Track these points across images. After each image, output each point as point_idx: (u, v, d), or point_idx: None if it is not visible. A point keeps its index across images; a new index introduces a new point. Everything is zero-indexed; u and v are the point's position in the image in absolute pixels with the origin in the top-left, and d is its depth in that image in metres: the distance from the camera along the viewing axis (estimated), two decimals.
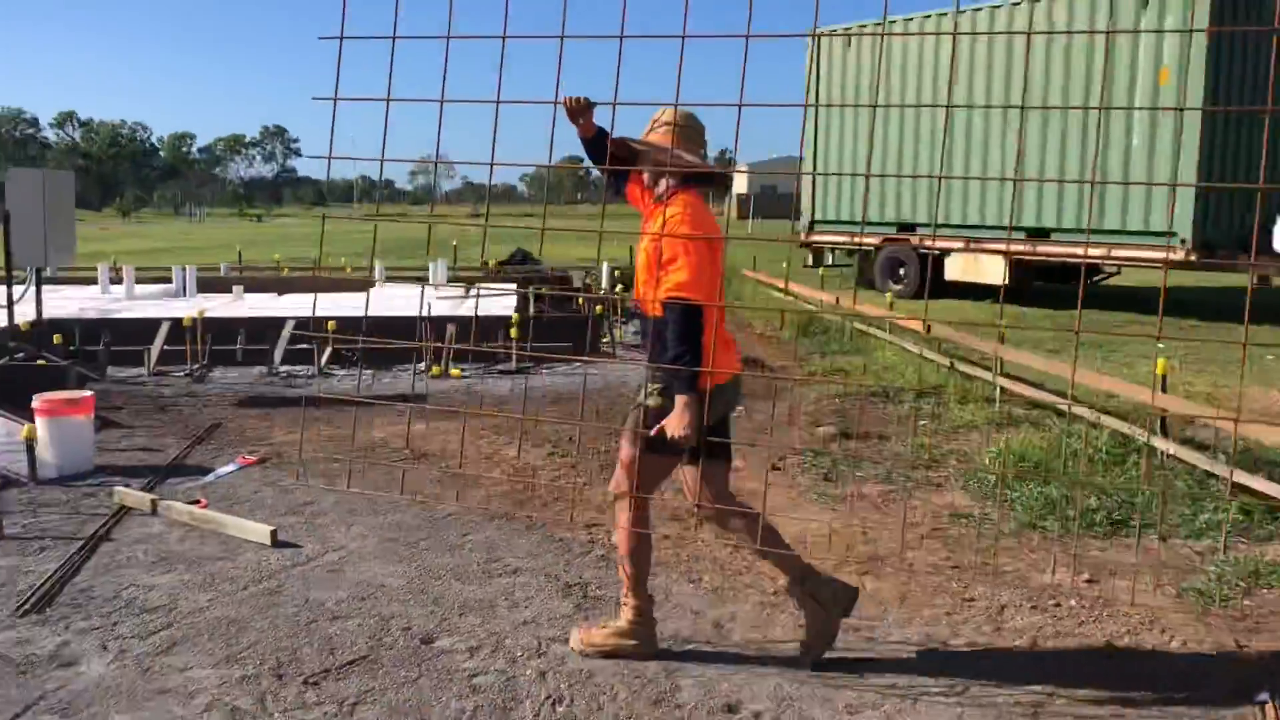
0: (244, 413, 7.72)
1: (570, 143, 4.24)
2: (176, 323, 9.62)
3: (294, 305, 12.13)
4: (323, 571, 4.55)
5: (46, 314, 8.98)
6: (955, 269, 16.16)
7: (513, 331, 9.72)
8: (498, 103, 3.66)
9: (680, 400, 3.50)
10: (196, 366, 9.33)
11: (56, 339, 9.03)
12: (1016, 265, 15.35)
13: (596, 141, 3.76)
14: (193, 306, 11.10)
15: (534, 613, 4.12)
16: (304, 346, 9.66)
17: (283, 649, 3.75)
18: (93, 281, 14.30)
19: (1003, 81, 15.07)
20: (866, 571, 4.63)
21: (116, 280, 13.97)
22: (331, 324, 9.32)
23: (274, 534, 4.84)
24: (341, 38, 3.73)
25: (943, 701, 3.42)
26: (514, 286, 14.05)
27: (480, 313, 10.33)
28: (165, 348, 9.51)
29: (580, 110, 3.67)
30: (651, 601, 3.79)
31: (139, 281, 14.15)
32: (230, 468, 6.13)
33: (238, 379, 9.12)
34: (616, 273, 15.16)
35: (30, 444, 5.79)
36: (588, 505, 5.54)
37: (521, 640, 3.86)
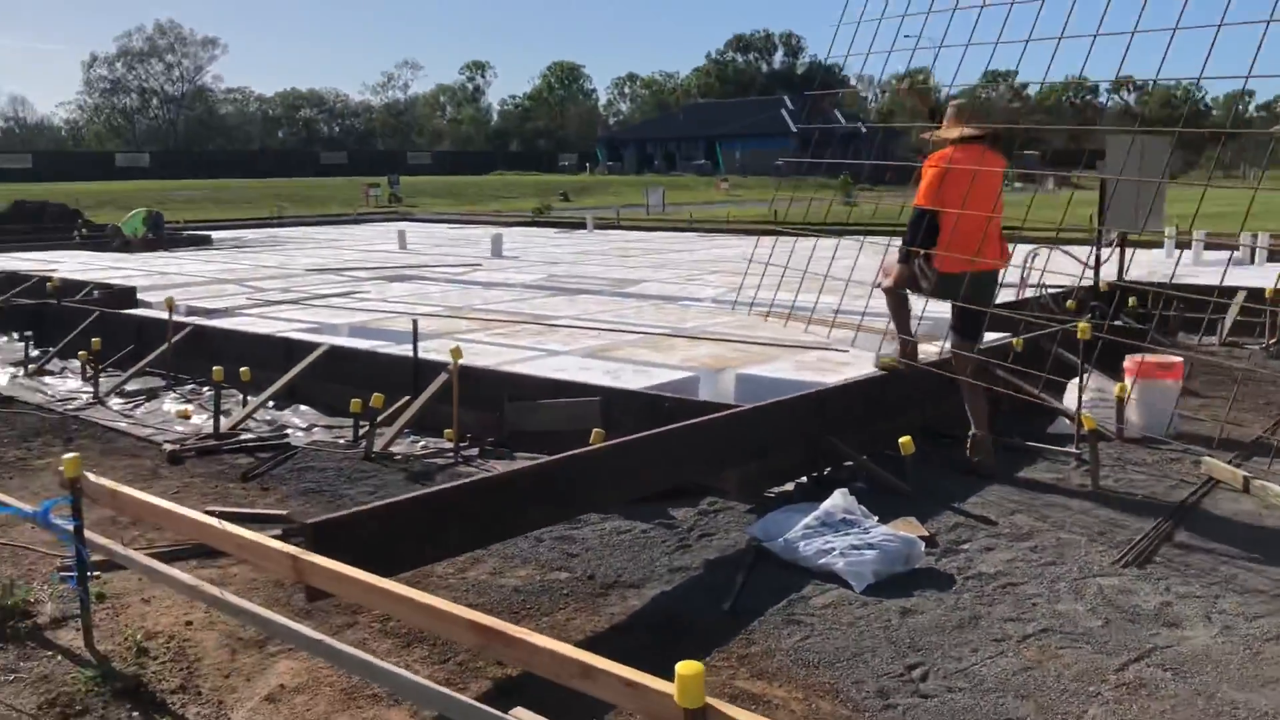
0: None
1: None
2: (1252, 293, 9.15)
3: None
4: None
5: (1127, 277, 9.27)
6: None
7: None
8: None
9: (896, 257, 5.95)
10: (1274, 341, 8.78)
11: (1130, 302, 9.27)
12: None
13: None
14: (1266, 275, 10.45)
15: None
16: None
17: None
18: (1157, 245, 14.39)
19: None
20: None
21: (1184, 244, 13.85)
22: None
23: None
24: None
25: None
26: None
27: None
28: (1238, 319, 9.14)
29: None
30: (910, 342, 6.09)
31: (1206, 247, 13.84)
32: None
33: None
34: None
35: (1121, 401, 6.04)
36: None
37: None
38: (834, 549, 4.15)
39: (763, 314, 9.17)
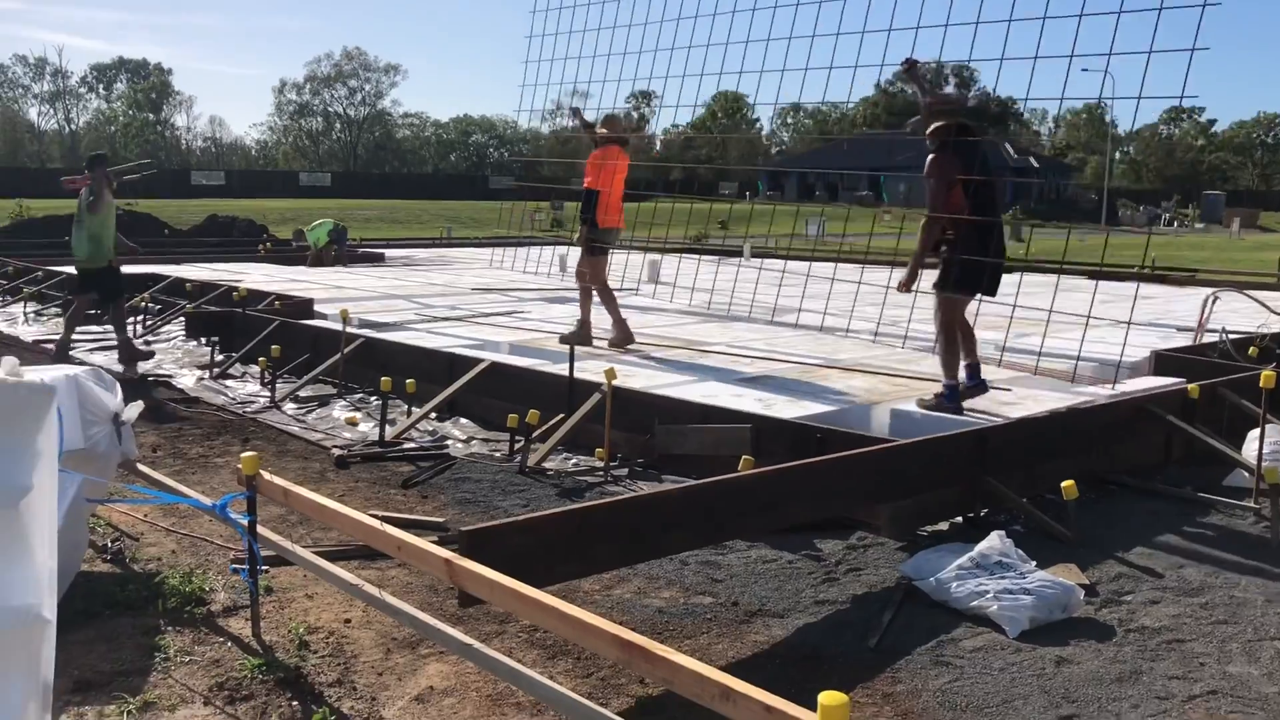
0: None
1: None
2: None
3: None
4: None
5: None
6: None
7: None
8: None
9: (584, 227, 9.15)
10: None
11: None
12: None
13: None
14: None
15: None
16: None
17: None
18: None
19: None
20: None
21: None
22: None
23: None
24: None
25: None
26: None
27: None
28: None
29: None
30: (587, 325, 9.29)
31: None
32: None
33: None
34: None
35: None
36: None
37: None
38: (987, 591, 4.02)
39: (923, 349, 8.99)
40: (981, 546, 4.30)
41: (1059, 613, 3.98)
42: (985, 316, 9.39)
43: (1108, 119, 78.42)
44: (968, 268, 6.31)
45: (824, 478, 4.68)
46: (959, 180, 6.28)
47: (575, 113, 10.05)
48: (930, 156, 6.43)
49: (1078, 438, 5.84)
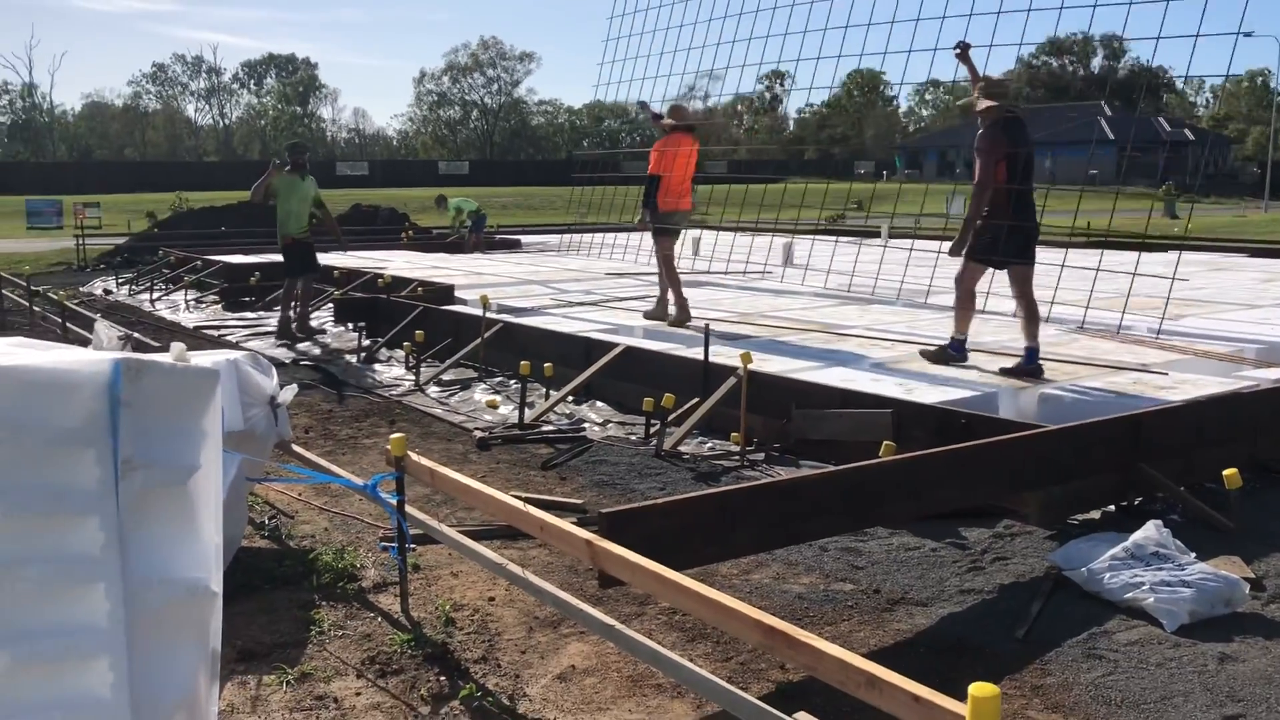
0: None
1: None
2: None
3: None
4: None
5: None
6: None
7: None
8: None
9: (644, 211, 9.63)
10: None
11: None
12: None
13: None
14: None
15: None
16: None
17: None
18: None
19: None
20: None
21: None
22: None
23: None
24: None
25: None
26: None
27: None
28: None
29: None
30: (667, 301, 9.73)
31: None
32: None
33: None
34: None
35: None
36: None
37: None
38: (1143, 583, 3.86)
39: (1074, 330, 8.67)
40: (1137, 536, 4.12)
41: (1221, 607, 3.79)
42: (1137, 297, 9.00)
43: (1271, 86, 73.96)
44: (991, 243, 7.00)
45: (969, 464, 4.55)
46: (1005, 156, 6.93)
47: (643, 105, 10.81)
48: (980, 132, 7.10)
49: (1241, 423, 5.54)
